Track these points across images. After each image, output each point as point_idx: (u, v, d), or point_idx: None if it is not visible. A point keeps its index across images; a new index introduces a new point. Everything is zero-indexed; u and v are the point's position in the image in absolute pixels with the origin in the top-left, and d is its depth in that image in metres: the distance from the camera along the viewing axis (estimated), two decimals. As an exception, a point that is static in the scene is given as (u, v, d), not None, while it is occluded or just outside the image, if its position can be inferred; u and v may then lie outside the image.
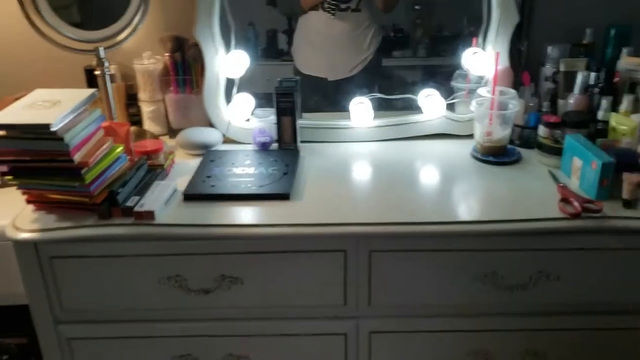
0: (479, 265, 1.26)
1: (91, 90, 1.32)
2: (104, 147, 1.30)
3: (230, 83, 1.61)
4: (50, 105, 1.22)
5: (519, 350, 1.35)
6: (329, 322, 1.33)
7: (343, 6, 1.62)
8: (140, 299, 1.29)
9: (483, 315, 1.32)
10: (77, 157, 1.21)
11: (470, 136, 1.55)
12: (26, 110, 1.21)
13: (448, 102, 1.60)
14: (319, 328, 1.34)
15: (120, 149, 1.34)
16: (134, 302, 1.30)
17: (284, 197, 1.31)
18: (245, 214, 1.26)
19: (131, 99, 1.72)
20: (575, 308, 1.31)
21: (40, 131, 1.16)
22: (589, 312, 1.31)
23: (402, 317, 1.33)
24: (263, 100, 1.62)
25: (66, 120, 1.20)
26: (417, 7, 1.68)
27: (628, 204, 1.24)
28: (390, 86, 1.68)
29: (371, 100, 1.61)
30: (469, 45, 1.58)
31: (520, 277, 1.26)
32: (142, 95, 1.67)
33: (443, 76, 1.66)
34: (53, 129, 1.16)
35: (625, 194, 1.24)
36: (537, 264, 1.25)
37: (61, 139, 1.18)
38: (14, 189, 1.26)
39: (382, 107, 1.64)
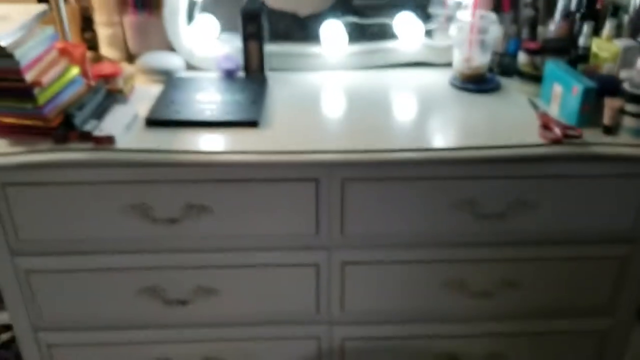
0: (455, 194, 1.22)
1: (43, 6, 1.21)
2: (58, 67, 1.20)
3: (193, 5, 1.50)
4: (-4, 19, 1.11)
5: (495, 280, 1.33)
6: (301, 252, 1.29)
7: None
8: (102, 228, 1.23)
9: (459, 245, 1.29)
10: (28, 76, 1.12)
11: (449, 65, 1.48)
12: (-30, 23, 1.10)
13: (426, 28, 1.53)
14: (290, 258, 1.29)
15: (76, 70, 1.24)
16: (96, 233, 1.23)
17: (252, 124, 1.23)
18: (213, 141, 1.18)
19: (86, 23, 1.60)
20: (553, 237, 1.29)
21: (-14, 46, 1.06)
22: (566, 241, 1.30)
23: (376, 247, 1.29)
24: (229, 28, 1.52)
25: (16, 36, 1.10)
26: None
27: (608, 130, 1.21)
28: (364, 16, 1.58)
29: (345, 26, 1.53)
30: (448, -33, 1.50)
31: (498, 205, 1.23)
32: (98, 17, 1.55)
33: (420, 3, 1.58)
34: (2, 44, 1.06)
35: (606, 120, 1.20)
36: (515, 192, 1.22)
37: (11, 56, 1.08)
38: (-41, 112, 1.17)
39: (356, 35, 1.56)
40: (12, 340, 1.62)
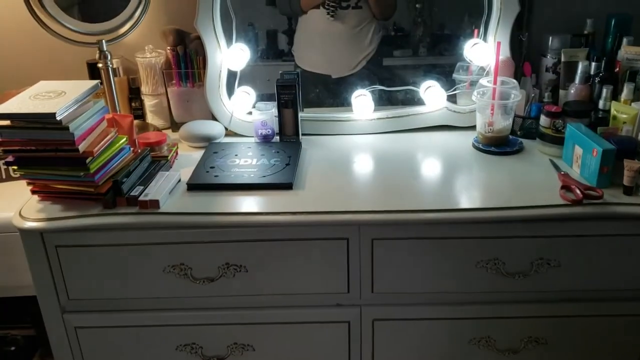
0: (480, 253, 1.27)
1: (95, 82, 1.33)
2: (108, 137, 1.31)
3: (232, 77, 1.62)
4: (54, 96, 1.23)
5: (521, 337, 1.36)
6: (333, 310, 1.34)
7: (344, 4, 1.61)
8: (145, 287, 1.30)
9: (485, 302, 1.33)
10: (81, 147, 1.22)
11: (472, 128, 1.56)
12: (31, 100, 1.22)
13: (449, 93, 1.61)
14: (322, 316, 1.35)
15: (124, 139, 1.35)
16: (139, 291, 1.31)
17: (286, 186, 1.32)
18: (249, 203, 1.27)
19: (133, 93, 1.73)
20: (576, 295, 1.32)
21: (45, 120, 1.18)
22: (589, 299, 1.32)
23: (405, 305, 1.34)
24: (265, 97, 1.63)
25: (70, 110, 1.21)
26: (418, 5, 1.67)
27: (628, 191, 1.24)
28: (391, 81, 1.67)
29: (372, 93, 1.62)
30: (470, 38, 1.59)
31: (522, 264, 1.27)
32: (145, 88, 1.68)
33: (444, 70, 1.67)
34: (58, 117, 1.17)
35: (625, 181, 1.25)
36: (538, 251, 1.26)
37: (66, 128, 1.19)
38: (19, 182, 1.27)
39: (383, 101, 1.66)
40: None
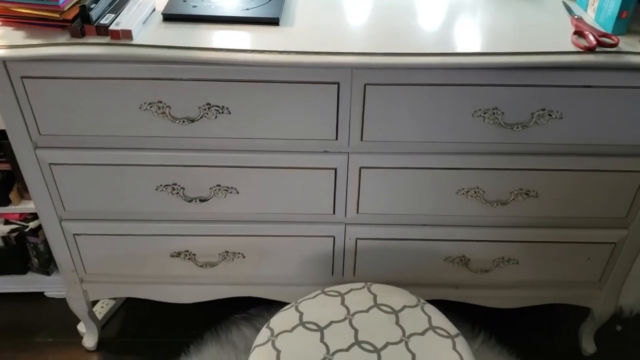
0: (478, 101, 1.19)
1: None
2: (72, -45, 1.15)
3: None
4: None
5: (511, 189, 1.33)
6: (319, 156, 1.29)
7: None
8: (120, 125, 1.23)
9: (477, 153, 1.28)
10: (41, -35, 1.08)
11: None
12: None
13: None
14: (308, 162, 1.29)
15: (90, -41, 1.19)
16: (115, 129, 1.23)
17: (273, 21, 1.19)
18: (231, 39, 1.15)
19: None
20: (572, 149, 1.27)
21: None
22: (588, 153, 1.27)
23: (394, 153, 1.28)
24: None
25: None
26: None
27: (646, 40, 1.15)
28: None
29: None
30: None
31: (522, 114, 1.20)
32: None
33: None
34: None
35: (645, 28, 1.14)
36: (540, 101, 1.19)
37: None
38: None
39: None
40: (40, 227, 1.68)
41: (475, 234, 1.42)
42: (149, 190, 1.34)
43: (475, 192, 1.33)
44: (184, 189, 1.34)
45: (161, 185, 1.33)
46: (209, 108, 1.20)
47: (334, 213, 1.38)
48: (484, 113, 1.20)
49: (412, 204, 1.36)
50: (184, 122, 1.21)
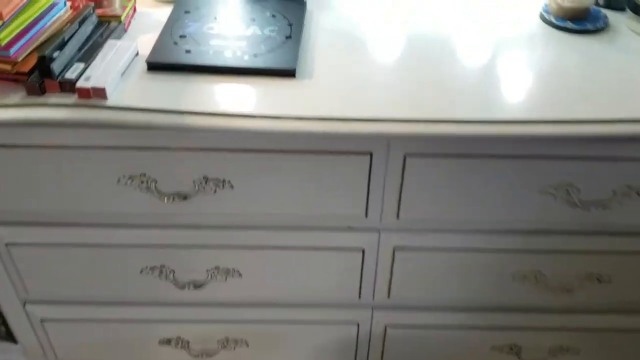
0: (548, 176, 0.94)
1: None
2: (28, -12, 0.89)
3: None
4: None
5: (579, 274, 1.08)
6: (343, 234, 1.03)
7: None
8: (93, 199, 0.97)
9: (544, 232, 1.03)
10: (-18, 6, 0.82)
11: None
12: None
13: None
14: (329, 240, 1.04)
15: (54, -9, 0.94)
16: (87, 204, 0.98)
17: (287, 73, 0.93)
18: (235, 97, 0.89)
19: None
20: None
21: None
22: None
23: (438, 231, 1.03)
24: None
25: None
26: None
27: None
28: None
29: None
30: None
31: (602, 191, 0.95)
32: None
33: None
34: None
35: None
36: (626, 177, 0.94)
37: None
38: None
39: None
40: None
41: (528, 319, 1.17)
42: (131, 273, 1.08)
43: (536, 278, 1.08)
44: (174, 271, 1.08)
45: (146, 268, 1.08)
46: (205, 182, 0.94)
47: (359, 298, 1.13)
48: (555, 190, 0.95)
49: (455, 288, 1.11)
50: (173, 199, 0.95)
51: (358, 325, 1.18)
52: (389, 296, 1.12)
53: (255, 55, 0.95)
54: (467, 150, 0.91)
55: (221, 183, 0.94)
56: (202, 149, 0.91)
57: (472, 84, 0.93)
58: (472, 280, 1.09)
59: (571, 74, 0.96)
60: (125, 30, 1.03)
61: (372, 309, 1.16)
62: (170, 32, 1.01)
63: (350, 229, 1.03)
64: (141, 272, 1.08)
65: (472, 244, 1.04)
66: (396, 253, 1.06)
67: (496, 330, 1.19)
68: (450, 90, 0.91)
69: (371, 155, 0.91)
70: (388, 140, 0.90)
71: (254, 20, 1.04)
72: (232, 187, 0.95)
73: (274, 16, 1.06)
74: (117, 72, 0.90)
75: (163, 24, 1.02)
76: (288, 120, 0.85)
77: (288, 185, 0.95)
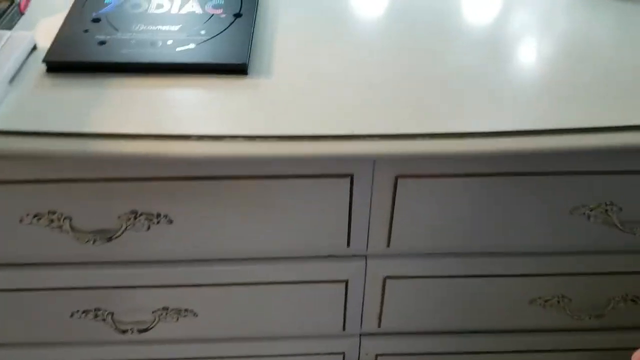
0: (580, 195, 0.72)
1: None
2: None
3: None
4: None
5: (613, 295, 0.88)
6: (321, 263, 0.82)
7: None
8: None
9: (569, 254, 0.82)
10: None
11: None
12: None
13: None
14: (304, 273, 0.83)
15: None
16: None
17: (236, 69, 0.69)
18: (163, 108, 0.66)
19: None
20: None
21: None
22: None
23: (439, 256, 0.82)
24: None
25: None
26: None
27: None
28: None
29: None
30: None
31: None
32: None
33: None
34: None
35: None
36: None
37: None
38: None
39: None
40: None
41: (548, 342, 0.98)
42: (61, 318, 0.87)
43: (559, 302, 0.88)
44: (112, 314, 0.87)
45: (78, 312, 0.86)
46: (135, 217, 0.72)
47: (344, 329, 0.93)
48: (590, 210, 0.74)
49: (462, 316, 0.91)
50: (94, 241, 0.73)
51: (343, 356, 0.99)
52: (379, 325, 0.93)
53: (191, 46, 0.71)
54: (479, 169, 0.69)
55: (155, 218, 0.72)
56: (126, 179, 0.68)
57: (480, 78, 0.69)
58: (482, 307, 0.89)
59: (603, 50, 0.73)
60: (22, 13, 0.78)
61: (360, 337, 0.96)
62: (81, 13, 0.75)
63: (330, 258, 0.81)
64: (72, 316, 0.87)
65: (483, 270, 0.84)
66: (387, 282, 0.85)
67: (507, 354, 1.00)
68: (452, 88, 0.68)
69: (352, 177, 0.69)
70: (373, 160, 0.67)
71: (194, -6, 0.79)
72: (170, 221, 0.73)
73: (220, -11, 0.81)
74: (3, 78, 0.66)
75: (69, 6, 0.77)
76: (236, 142, 0.62)
77: (245, 215, 0.73)
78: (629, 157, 0.69)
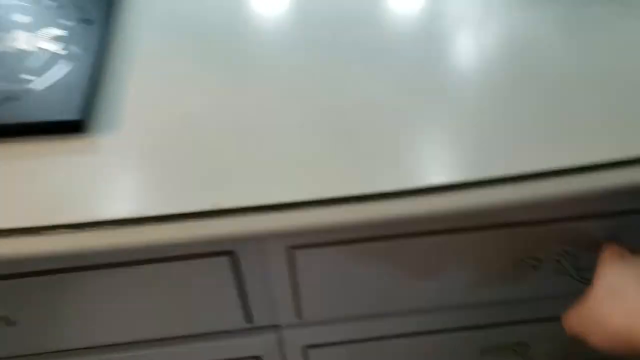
0: (526, 245, 0.58)
1: None
2: None
3: None
4: None
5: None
6: (222, 341, 0.67)
7: None
8: None
9: (525, 301, 0.69)
10: None
11: None
12: None
13: None
14: (211, 352, 0.68)
15: None
16: None
17: (67, 127, 0.53)
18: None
19: None
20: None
21: None
22: None
23: (371, 318, 0.68)
24: None
25: None
26: None
27: None
28: None
29: None
30: None
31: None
32: None
33: None
34: None
35: None
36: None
37: None
38: None
39: None
40: None
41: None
42: None
43: (515, 351, 0.75)
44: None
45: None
46: (-35, 322, 0.56)
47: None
48: (537, 262, 0.60)
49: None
50: None
51: None
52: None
53: (8, 97, 0.54)
54: (392, 231, 0.55)
55: (-8, 321, 0.56)
56: None
57: (388, 119, 0.54)
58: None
59: (555, 59, 0.58)
60: None
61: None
62: None
63: (234, 333, 0.67)
64: None
65: (427, 326, 0.70)
66: (310, 352, 0.71)
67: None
68: (353, 141, 0.52)
69: (232, 254, 0.54)
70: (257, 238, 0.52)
71: (24, 12, 0.62)
72: (13, 324, 0.57)
73: (59, 8, 0.63)
74: None
75: None
76: (69, 233, 0.46)
77: (105, 306, 0.58)
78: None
